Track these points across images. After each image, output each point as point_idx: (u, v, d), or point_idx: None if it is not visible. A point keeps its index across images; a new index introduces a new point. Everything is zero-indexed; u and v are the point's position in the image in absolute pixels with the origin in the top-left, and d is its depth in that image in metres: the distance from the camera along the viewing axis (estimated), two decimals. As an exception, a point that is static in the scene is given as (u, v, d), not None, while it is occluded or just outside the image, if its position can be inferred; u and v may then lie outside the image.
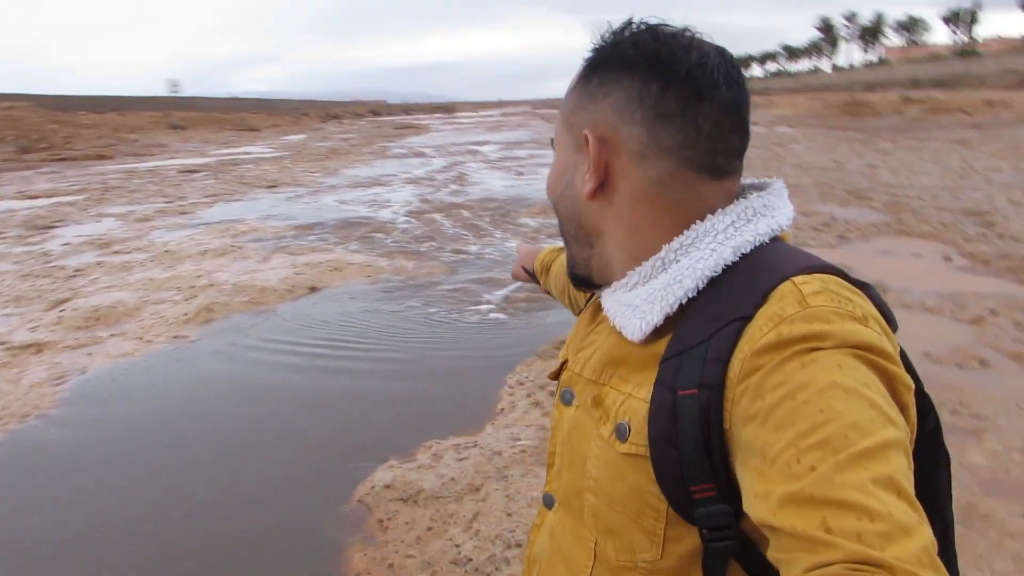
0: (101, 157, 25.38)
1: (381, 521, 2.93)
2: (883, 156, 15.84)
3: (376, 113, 78.81)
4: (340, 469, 3.40)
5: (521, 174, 15.96)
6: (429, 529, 2.81)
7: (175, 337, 5.62)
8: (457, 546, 2.63)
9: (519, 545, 2.54)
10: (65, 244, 9.29)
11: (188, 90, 62.21)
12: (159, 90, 61.28)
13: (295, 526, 2.98)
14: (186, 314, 6.14)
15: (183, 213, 11.72)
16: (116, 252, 8.70)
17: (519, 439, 3.43)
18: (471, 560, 2.51)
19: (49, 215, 11.76)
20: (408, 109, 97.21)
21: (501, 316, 5.88)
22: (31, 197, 14.40)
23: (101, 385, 4.71)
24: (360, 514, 3.01)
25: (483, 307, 6.15)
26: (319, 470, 3.44)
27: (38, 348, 5.49)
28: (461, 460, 3.29)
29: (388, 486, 3.14)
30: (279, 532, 2.95)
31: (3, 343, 5.59)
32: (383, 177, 16.65)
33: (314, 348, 5.25)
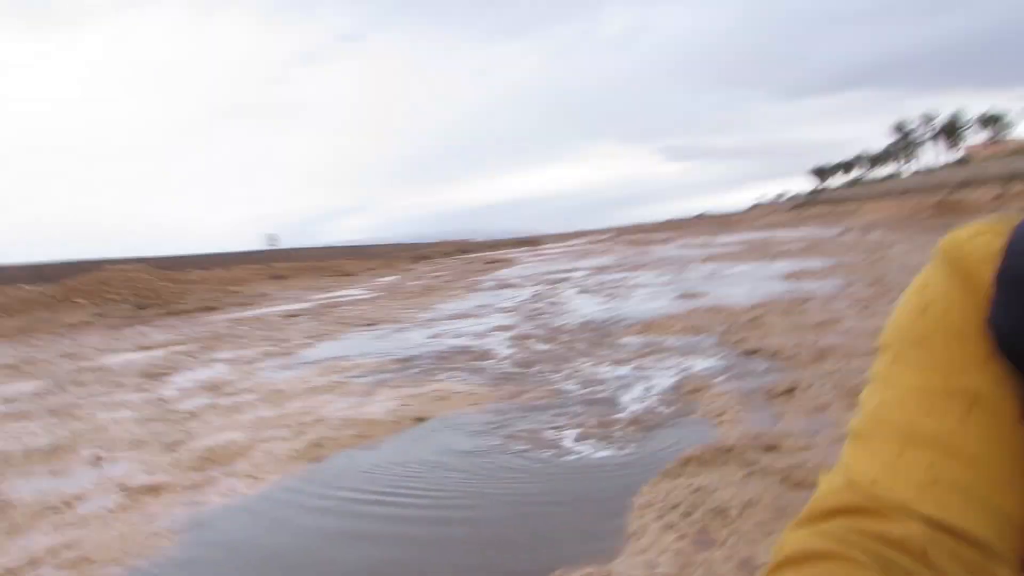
0: (209, 309, 26.57)
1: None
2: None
3: (463, 251, 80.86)
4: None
5: (613, 296, 15.87)
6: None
7: (285, 474, 5.59)
8: None
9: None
10: (179, 389, 9.58)
11: (285, 242, 65.31)
12: (259, 244, 64.51)
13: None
14: (296, 450, 6.14)
15: (288, 354, 12.01)
16: (227, 394, 8.89)
17: (656, 566, 3.18)
18: None
19: (164, 363, 12.23)
20: (494, 245, 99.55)
21: (613, 437, 5.65)
22: (147, 348, 15.05)
23: (214, 527, 4.65)
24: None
25: (594, 429, 5.94)
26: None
27: (155, 490, 5.54)
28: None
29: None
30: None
31: (123, 486, 5.67)
32: (477, 308, 16.83)
33: (425, 485, 5.12)
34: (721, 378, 6.87)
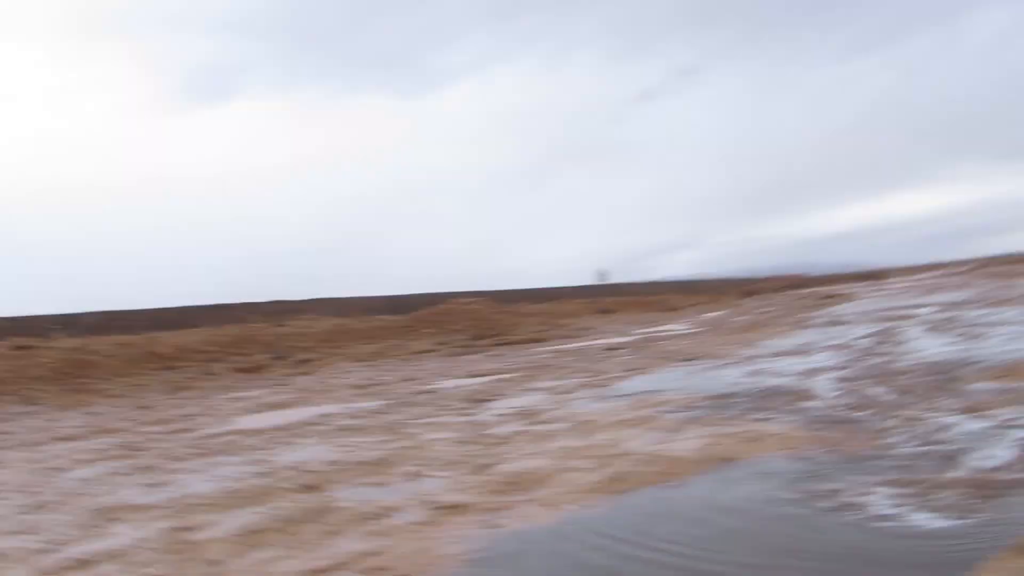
0: (537, 340, 27.76)
1: None
2: None
3: (796, 285, 76.67)
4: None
5: (968, 336, 13.84)
6: None
7: (583, 505, 5.42)
8: None
9: None
10: (496, 415, 9.92)
11: (614, 277, 66.56)
12: (589, 279, 66.53)
13: None
14: (596, 482, 5.96)
15: (603, 386, 12.00)
16: (539, 422, 9.03)
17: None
18: None
19: (487, 390, 12.84)
20: (831, 279, 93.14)
21: (949, 501, 4.71)
22: (476, 376, 15.96)
23: (502, 552, 4.58)
24: None
25: (927, 489, 5.02)
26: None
27: (459, 509, 5.66)
28: None
29: None
30: None
31: (431, 502, 5.87)
32: (804, 346, 15.64)
33: (715, 516, 4.65)
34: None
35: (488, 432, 8.63)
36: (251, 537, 5.28)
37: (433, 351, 25.90)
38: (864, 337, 16.28)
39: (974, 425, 6.66)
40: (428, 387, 14.34)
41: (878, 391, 9.04)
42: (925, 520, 4.35)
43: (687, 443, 6.99)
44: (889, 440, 6.50)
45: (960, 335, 14.18)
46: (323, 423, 10.61)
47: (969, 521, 4.24)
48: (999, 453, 5.65)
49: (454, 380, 15.29)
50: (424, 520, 5.43)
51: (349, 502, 6.06)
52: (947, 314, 20.08)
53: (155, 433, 10.93)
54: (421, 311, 34.77)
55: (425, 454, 7.74)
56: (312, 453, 8.27)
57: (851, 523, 4.44)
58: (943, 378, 9.35)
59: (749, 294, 62.26)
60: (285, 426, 10.59)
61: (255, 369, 21.97)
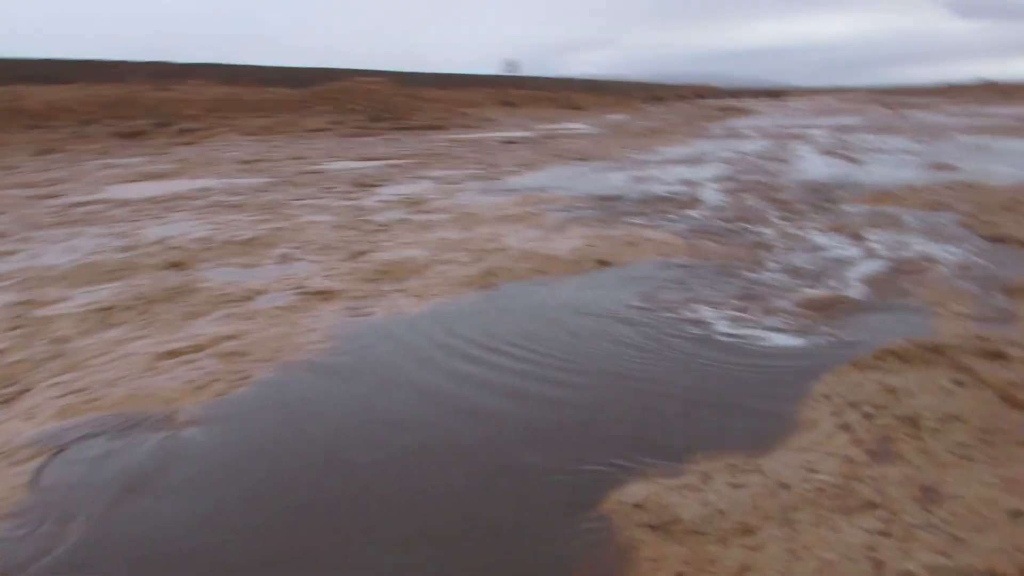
0: (435, 127, 27.13)
1: (622, 550, 2.30)
2: None
3: (701, 96, 77.00)
4: (591, 462, 2.84)
5: (852, 160, 14.22)
6: (679, 574, 2.14)
7: (450, 300, 5.40)
8: (711, 609, 1.94)
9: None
10: (381, 201, 9.70)
11: (524, 70, 64.84)
12: (497, 70, 64.65)
13: (520, 522, 2.48)
14: (468, 276, 5.93)
15: (492, 179, 11.86)
16: (422, 211, 8.87)
17: (815, 471, 2.60)
18: (726, 640, 1.81)
19: (376, 175, 12.51)
20: (735, 93, 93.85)
21: (805, 315, 4.89)
22: (367, 159, 15.52)
23: (361, 342, 4.53)
24: (599, 533, 2.41)
25: (787, 304, 5.19)
26: (566, 456, 2.90)
27: (327, 295, 5.55)
28: (736, 488, 2.54)
29: (638, 505, 2.50)
30: (496, 521, 2.48)
31: (300, 288, 5.74)
32: (698, 156, 15.80)
33: (584, 317, 4.71)
34: (951, 263, 5.81)
35: (369, 219, 8.44)
36: (104, 315, 5.05)
37: (327, 130, 25.00)
38: (756, 152, 16.53)
39: (840, 243, 6.89)
40: (316, 168, 13.88)
41: (759, 205, 9.24)
42: (784, 330, 4.52)
43: (566, 243, 6.99)
44: (761, 252, 6.68)
45: (844, 158, 14.56)
46: (199, 197, 10.17)
47: (821, 334, 4.42)
48: (857, 272, 5.89)
49: (344, 162, 14.83)
50: (289, 305, 5.30)
51: (213, 282, 5.87)
52: (837, 137, 20.56)
53: (14, 197, 10.27)
54: (318, 87, 33.16)
55: (301, 237, 7.53)
56: (182, 228, 7.94)
57: (697, 337, 4.57)
58: (821, 197, 9.61)
59: (655, 100, 62.17)
60: (158, 198, 10.11)
61: (134, 135, 20.77)
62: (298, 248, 7.05)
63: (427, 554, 2.36)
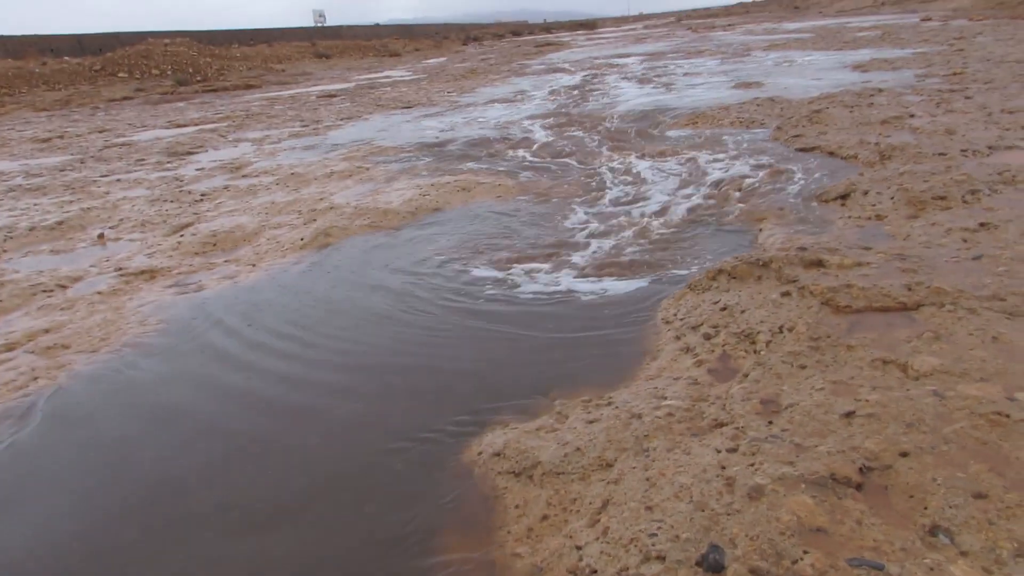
0: (249, 87, 25.87)
1: (487, 500, 2.34)
2: (1093, 48, 13.54)
3: (516, 33, 77.24)
4: (446, 419, 2.84)
5: (665, 85, 14.75)
6: (544, 518, 2.18)
7: (283, 267, 5.22)
8: (578, 548, 1.98)
9: (661, 558, 1.85)
10: (199, 169, 9.19)
11: (333, 20, 62.81)
12: (307, 21, 62.25)
13: (381, 489, 2.46)
14: (302, 239, 5.75)
15: (315, 135, 11.49)
16: (244, 176, 8.48)
17: (664, 397, 2.71)
18: (595, 572, 1.87)
19: (190, 142, 11.82)
20: (549, 28, 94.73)
21: (637, 242, 5.09)
22: (179, 126, 14.63)
23: (191, 322, 4.31)
24: (462, 487, 2.42)
25: (626, 233, 5.38)
26: (419, 418, 2.89)
27: (151, 274, 5.24)
28: (591, 423, 2.61)
29: (498, 454, 2.53)
30: (357, 492, 2.44)
31: (120, 269, 5.39)
32: (520, 93, 15.89)
33: (422, 275, 4.69)
34: (768, 178, 6.18)
35: (189, 188, 7.99)
36: None
37: (131, 98, 23.34)
38: (575, 86, 16.82)
39: (663, 167, 7.16)
40: (123, 139, 12.96)
41: (583, 137, 9.44)
42: (619, 258, 4.66)
43: (398, 194, 6.89)
44: (589, 184, 6.84)
45: (659, 84, 15.07)
46: (-7, 183, 9.28)
47: (655, 258, 4.59)
48: (681, 196, 6.15)
49: (154, 131, 13.91)
50: (111, 289, 4.97)
51: (21, 274, 5.41)
52: (649, 64, 21.22)
53: None
54: (115, 52, 30.80)
55: (116, 215, 7.04)
56: (-24, 219, 7.23)
57: (555, 264, 4.67)
58: (641, 125, 9.91)
59: (471, 40, 61.82)
60: (-57, 189, 9.14)
61: (-97, 121, 18.59)
62: (114, 227, 6.60)
63: (285, 530, 2.31)
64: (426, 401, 3.06)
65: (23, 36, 33.22)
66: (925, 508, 1.87)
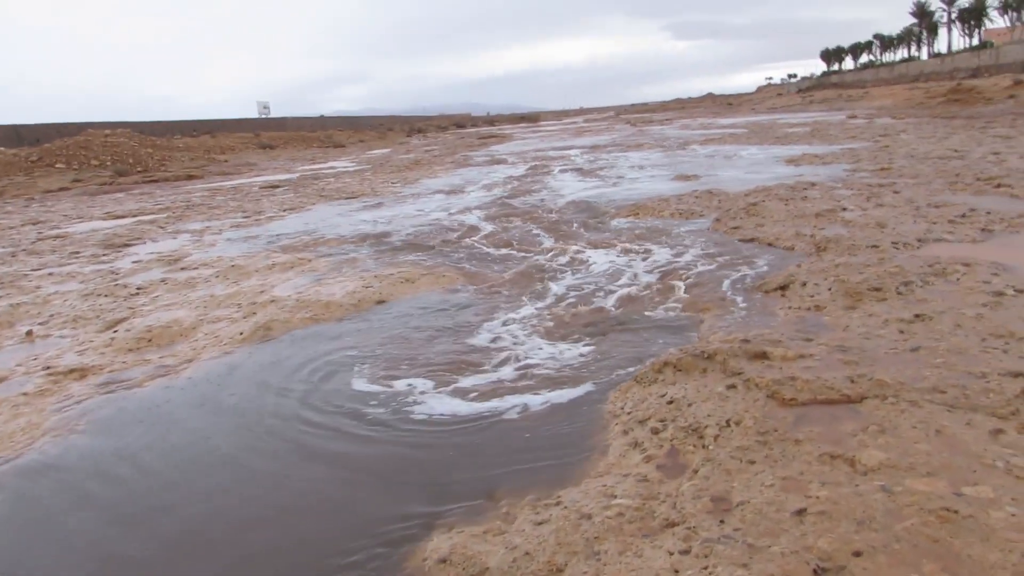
0: (191, 177, 25.76)
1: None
2: (1006, 142, 14.34)
3: (460, 125, 78.96)
4: (391, 522, 2.73)
5: (606, 177, 15.11)
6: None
7: (222, 361, 5.07)
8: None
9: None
10: (136, 261, 9.01)
11: (277, 111, 63.22)
12: (251, 112, 62.75)
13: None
14: (241, 333, 5.62)
15: (257, 226, 11.41)
16: (183, 268, 8.33)
17: (614, 495, 2.65)
18: None
19: (128, 234, 11.62)
20: (492, 121, 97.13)
21: (582, 333, 5.08)
22: (117, 217, 14.42)
23: (119, 424, 4.13)
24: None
25: (562, 323, 5.38)
26: (362, 522, 2.77)
27: (82, 373, 5.04)
28: (539, 524, 2.53)
29: (444, 560, 2.42)
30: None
31: (48, 368, 5.18)
32: (464, 185, 16.10)
33: (367, 377, 4.60)
34: (709, 269, 6.29)
35: (124, 282, 7.79)
36: None
37: (68, 189, 23.02)
38: (519, 177, 17.13)
39: (606, 259, 7.23)
40: (58, 231, 12.69)
41: (526, 228, 9.54)
42: (565, 350, 4.63)
43: (340, 286, 6.82)
44: (534, 275, 6.86)
45: (601, 177, 15.44)
46: (-83, 278, 8.94)
47: (600, 351, 4.56)
48: (625, 285, 6.20)
49: (90, 223, 13.67)
50: (37, 389, 4.76)
51: (-59, 374, 5.15)
52: (591, 155, 21.79)
53: None
54: (53, 143, 30.51)
55: (46, 311, 6.82)
56: None
57: (499, 359, 4.61)
58: (585, 215, 10.09)
59: (415, 132, 62.92)
60: None
61: None
62: (44, 324, 6.38)
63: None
64: (375, 501, 2.94)
65: (-42, 128, 32.80)
66: (882, 612, 1.83)
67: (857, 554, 2.04)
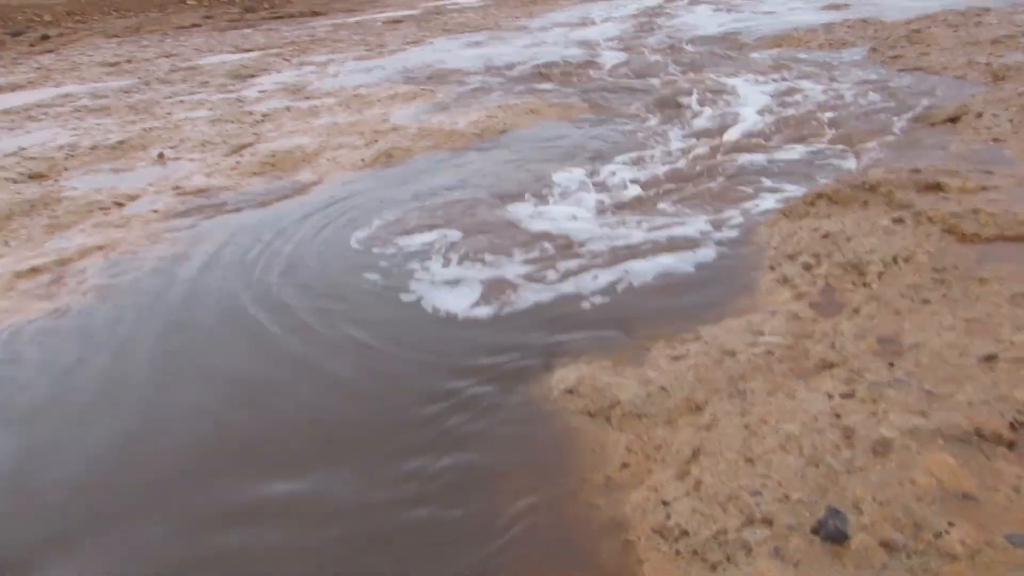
0: (315, 14, 25.51)
1: (558, 441, 2.06)
2: None
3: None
4: (515, 350, 2.57)
5: (744, 8, 13.90)
6: (624, 466, 1.90)
7: (344, 183, 4.97)
8: (665, 503, 1.70)
9: (768, 522, 1.55)
10: (261, 91, 8.97)
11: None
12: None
13: (448, 416, 2.21)
14: (363, 159, 5.49)
15: (380, 58, 11.16)
16: (307, 97, 8.23)
17: (761, 333, 2.37)
18: (686, 535, 1.58)
19: (254, 65, 11.61)
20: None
21: (721, 165, 4.66)
22: (244, 50, 14.44)
23: (234, 239, 4.12)
24: (531, 425, 2.14)
25: (698, 155, 4.95)
26: (489, 344, 2.62)
27: (207, 193, 5.06)
28: (676, 360, 2.29)
29: (571, 391, 2.24)
30: (419, 426, 2.20)
31: (178, 188, 5.22)
32: (592, 17, 15.22)
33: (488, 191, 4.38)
34: (865, 100, 5.65)
35: (250, 109, 7.77)
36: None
37: (199, 25, 23.22)
38: (651, 8, 16.04)
39: (747, 90, 6.65)
40: (189, 64, 12.81)
41: (661, 60, 8.90)
42: (700, 182, 4.28)
43: (465, 116, 6.56)
44: (669, 105, 6.39)
45: (737, 8, 14.24)
46: (62, 104, 9.22)
47: (743, 181, 4.19)
48: (770, 116, 5.67)
49: (219, 56, 13.74)
50: (167, 208, 4.81)
51: (79, 192, 5.28)
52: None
53: None
54: (183, -23, 30.71)
55: (177, 135, 6.87)
56: (41, 138, 7.14)
57: (629, 194, 4.31)
58: (723, 46, 9.32)
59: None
60: (13, 110, 9.11)
61: (-18, 45, 18.81)
62: (174, 147, 6.44)
63: (353, 455, 2.08)
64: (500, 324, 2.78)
65: (95, -38, 33.36)
66: (1098, 475, 1.53)
67: (1063, 408, 1.72)
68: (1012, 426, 1.70)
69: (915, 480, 1.56)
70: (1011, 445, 1.65)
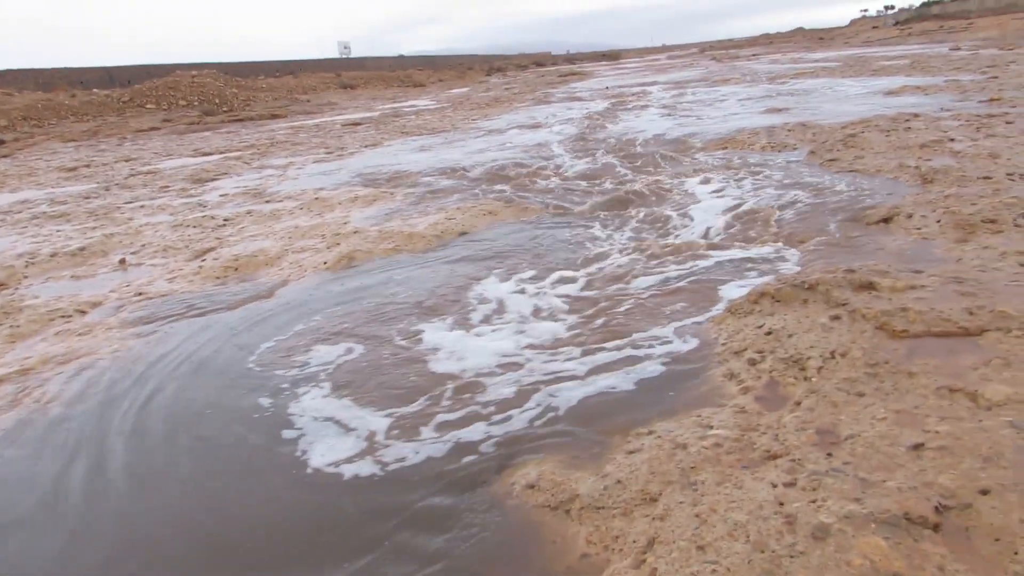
0: (275, 116, 26.09)
1: (519, 538, 2.15)
2: None
3: (540, 64, 77.80)
4: (480, 449, 2.67)
5: (692, 112, 14.60)
6: (584, 557, 2.00)
7: (307, 288, 5.09)
8: (623, 592, 1.81)
9: (718, 605, 1.66)
10: (222, 195, 9.14)
11: (358, 51, 63.51)
12: (332, 53, 63.05)
13: (394, 517, 2.28)
14: (325, 262, 5.63)
15: (339, 161, 11.45)
16: (268, 201, 8.41)
17: (710, 426, 2.52)
18: (645, 621, 1.69)
19: (214, 169, 11.83)
20: (572, 59, 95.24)
21: (668, 263, 4.88)
22: (204, 154, 14.69)
23: (221, 345, 4.19)
24: (495, 525, 2.24)
25: (646, 252, 5.19)
26: (448, 445, 2.72)
27: (170, 299, 5.13)
28: (631, 454, 2.43)
29: (532, 486, 2.35)
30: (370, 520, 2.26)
31: (140, 294, 5.29)
32: (544, 121, 15.80)
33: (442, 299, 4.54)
34: (805, 201, 5.99)
35: (211, 214, 7.91)
36: (-91, 346, 4.47)
37: (157, 129, 23.56)
38: (600, 113, 16.72)
39: (693, 191, 6.96)
40: (149, 168, 12.99)
41: (609, 162, 9.28)
42: (650, 279, 4.47)
43: (423, 219, 6.77)
44: (619, 205, 6.66)
45: (687, 111, 14.93)
46: (19, 210, 9.27)
47: (691, 280, 4.39)
48: (714, 217, 5.94)
49: (179, 160, 13.97)
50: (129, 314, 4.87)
51: (40, 300, 5.32)
52: (676, 91, 21.12)
53: None
54: (143, 84, 31.27)
55: (138, 240, 6.97)
56: (1, 245, 7.18)
57: (585, 296, 4.49)
58: (671, 149, 9.75)
59: (495, 71, 62.27)
60: (-32, 216, 9.14)
61: (-65, 151, 18.83)
62: (136, 253, 6.52)
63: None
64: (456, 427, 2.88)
65: (54, 69, 33.90)
66: (1015, 553, 1.67)
67: (984, 492, 1.88)
68: (937, 510, 1.84)
69: (851, 562, 1.68)
70: (936, 527, 1.79)
